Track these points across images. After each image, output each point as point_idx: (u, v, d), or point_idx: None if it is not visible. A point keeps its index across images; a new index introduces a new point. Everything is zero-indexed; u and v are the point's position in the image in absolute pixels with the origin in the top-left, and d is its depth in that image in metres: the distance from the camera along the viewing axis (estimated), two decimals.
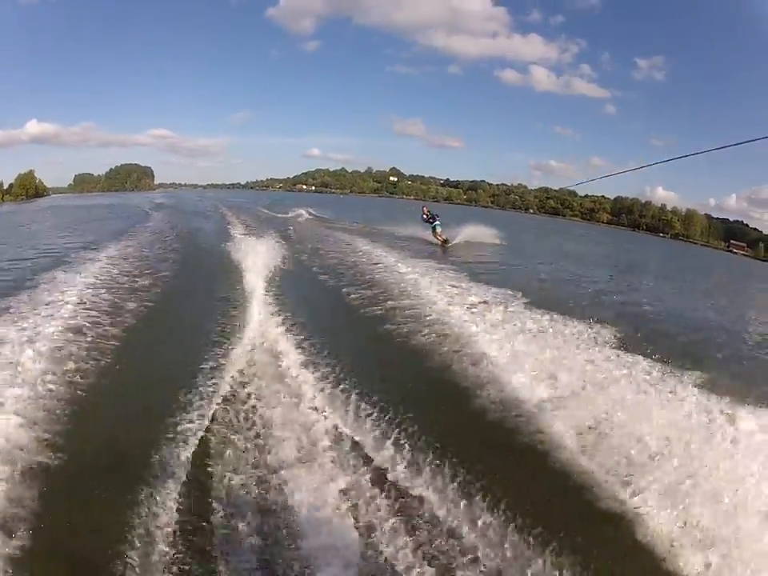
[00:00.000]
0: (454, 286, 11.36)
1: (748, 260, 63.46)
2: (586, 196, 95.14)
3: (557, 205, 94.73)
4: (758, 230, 78.66)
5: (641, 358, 7.35)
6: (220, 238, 19.21)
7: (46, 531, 3.97)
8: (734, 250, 71.21)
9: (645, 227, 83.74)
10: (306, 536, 4.18)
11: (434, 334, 8.50)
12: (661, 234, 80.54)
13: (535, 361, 7.20)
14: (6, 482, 4.34)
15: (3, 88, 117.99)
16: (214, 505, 4.42)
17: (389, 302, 10.35)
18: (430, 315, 9.41)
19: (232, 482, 4.75)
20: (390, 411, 5.90)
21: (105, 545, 3.87)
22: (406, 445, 5.33)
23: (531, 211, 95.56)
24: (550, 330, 8.61)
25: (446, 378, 7.07)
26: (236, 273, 12.60)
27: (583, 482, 4.83)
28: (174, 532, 4.06)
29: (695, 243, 75.25)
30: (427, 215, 20.87)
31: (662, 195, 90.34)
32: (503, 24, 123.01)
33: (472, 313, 9.41)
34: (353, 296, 11.03)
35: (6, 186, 72.48)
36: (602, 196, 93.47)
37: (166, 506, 4.28)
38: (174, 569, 3.78)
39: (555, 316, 9.20)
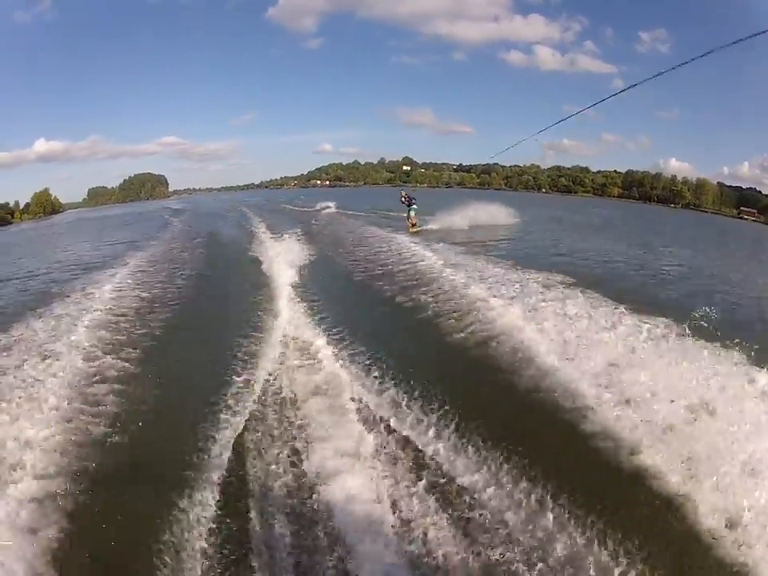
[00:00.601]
0: (482, 274, 11.38)
1: (758, 225, 64.71)
2: (599, 172, 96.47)
3: (568, 182, 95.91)
4: None
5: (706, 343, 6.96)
6: (244, 236, 20.50)
7: (81, 531, 4.13)
8: (745, 217, 72.20)
9: (656, 199, 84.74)
10: (346, 534, 4.15)
11: (469, 319, 8.51)
12: (672, 205, 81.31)
13: (576, 341, 7.18)
14: (44, 480, 4.59)
15: (7, 109, 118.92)
16: (250, 503, 4.45)
17: (416, 288, 10.64)
18: (459, 299, 9.58)
19: (269, 480, 4.76)
20: (433, 401, 5.87)
21: (140, 545, 3.98)
22: (451, 434, 5.29)
23: (543, 190, 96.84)
24: (589, 311, 8.48)
25: (485, 361, 7.08)
26: (264, 266, 13.29)
27: (649, 482, 4.65)
28: (210, 531, 4.12)
29: (706, 212, 76.10)
30: (405, 199, 22.35)
31: (676, 166, 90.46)
32: (504, 6, 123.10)
33: (506, 295, 9.43)
34: (380, 282, 11.46)
35: (22, 206, 74.77)
36: (615, 171, 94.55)
37: (202, 504, 4.37)
38: (210, 568, 3.85)
39: (590, 293, 9.42)
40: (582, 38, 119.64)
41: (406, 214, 22.11)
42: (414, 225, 21.40)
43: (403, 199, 22.47)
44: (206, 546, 4.00)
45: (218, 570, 3.83)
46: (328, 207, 33.98)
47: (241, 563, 3.90)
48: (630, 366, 6.35)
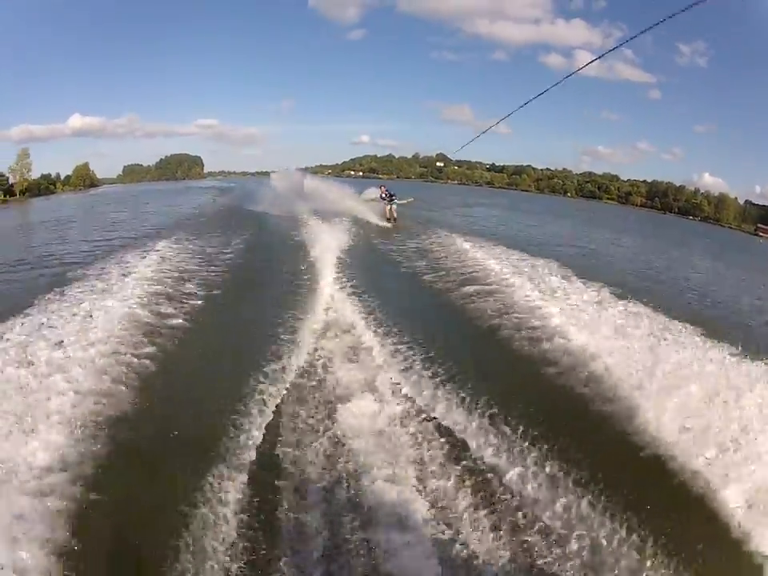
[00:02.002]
0: (518, 266, 11.91)
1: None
2: (628, 180, 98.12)
3: (594, 188, 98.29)
4: None
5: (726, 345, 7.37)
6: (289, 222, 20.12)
7: (109, 513, 4.14)
8: (761, 234, 73.77)
9: (677, 210, 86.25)
10: (380, 524, 4.15)
11: (508, 311, 8.77)
12: (690, 217, 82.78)
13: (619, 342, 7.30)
14: (72, 464, 4.51)
15: (43, 82, 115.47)
16: (282, 492, 4.48)
17: (454, 277, 11.02)
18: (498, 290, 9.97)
19: (300, 467, 4.75)
20: (476, 396, 5.81)
21: (167, 531, 3.97)
22: (491, 427, 5.28)
23: (569, 195, 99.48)
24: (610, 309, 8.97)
25: (531, 359, 7.13)
26: (306, 251, 13.31)
27: (682, 478, 4.77)
28: (239, 516, 4.14)
29: (722, 226, 77.86)
30: (385, 194, 22.18)
31: (709, 181, 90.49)
32: (546, 10, 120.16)
33: (541, 289, 9.86)
34: (420, 271, 11.91)
35: (61, 178, 74.75)
36: (644, 181, 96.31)
37: (234, 487, 4.40)
38: (240, 555, 3.86)
39: (605, 291, 10.08)
40: (623, 47, 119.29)
41: (387, 207, 21.89)
42: (394, 219, 21.57)
43: (384, 195, 22.26)
44: (234, 530, 3.98)
45: (245, 555, 3.81)
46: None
47: (268, 549, 3.88)
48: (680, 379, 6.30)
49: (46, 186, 69.53)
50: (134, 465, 4.74)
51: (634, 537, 4.13)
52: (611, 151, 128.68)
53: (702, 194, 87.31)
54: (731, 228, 76.88)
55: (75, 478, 4.34)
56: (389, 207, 21.86)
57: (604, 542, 4.09)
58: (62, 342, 6.67)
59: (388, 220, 21.54)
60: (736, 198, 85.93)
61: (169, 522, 4.05)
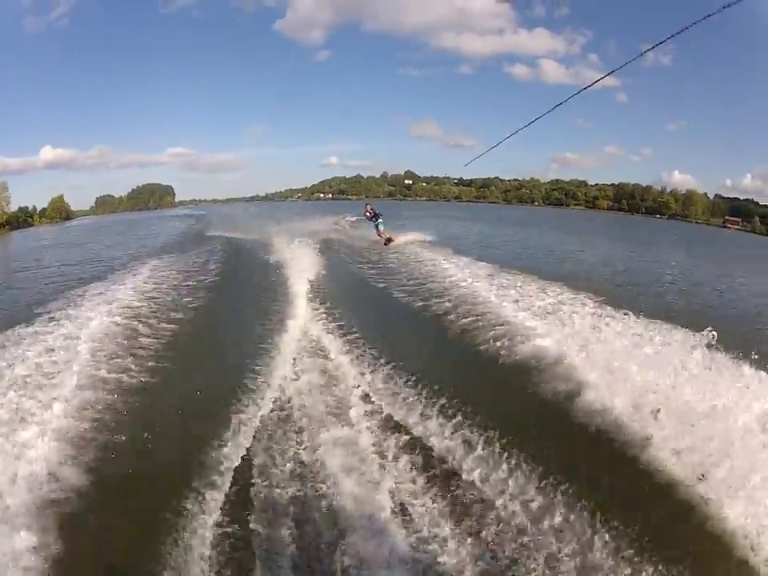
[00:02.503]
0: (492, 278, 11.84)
1: (737, 233, 66.04)
2: (596, 185, 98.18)
3: (561, 196, 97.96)
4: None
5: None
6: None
7: (86, 532, 4.08)
8: (728, 226, 73.49)
9: (644, 210, 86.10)
10: (352, 538, 4.13)
11: (477, 319, 8.79)
12: (658, 216, 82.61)
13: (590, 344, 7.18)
14: (52, 481, 4.48)
15: (15, 114, 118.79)
16: (256, 507, 4.43)
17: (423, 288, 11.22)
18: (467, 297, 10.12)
19: (277, 485, 4.72)
20: (449, 406, 5.87)
21: (145, 548, 3.96)
22: (462, 437, 5.32)
23: (536, 204, 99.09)
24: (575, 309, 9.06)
25: (503, 367, 7.13)
26: (279, 275, 13.06)
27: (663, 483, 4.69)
28: (216, 533, 4.12)
29: (690, 222, 77.50)
30: (370, 213, 21.09)
31: (678, 179, 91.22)
32: (509, 20, 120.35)
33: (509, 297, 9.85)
34: (390, 288, 11.81)
35: (37, 211, 76.41)
36: (611, 184, 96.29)
37: (209, 509, 4.33)
38: (214, 571, 3.86)
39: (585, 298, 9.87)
40: (587, 51, 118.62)
41: (374, 230, 20.68)
42: (389, 239, 19.89)
43: (368, 213, 21.23)
44: (210, 549, 3.98)
45: (222, 572, 3.84)
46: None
47: (244, 566, 3.90)
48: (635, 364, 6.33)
49: (23, 219, 70.75)
50: (109, 488, 4.68)
51: (620, 544, 4.07)
52: (580, 157, 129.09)
53: (669, 192, 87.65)
54: (698, 223, 76.50)
55: (49, 502, 4.31)
56: (380, 228, 20.51)
57: (590, 551, 4.04)
58: (40, 363, 6.83)
59: (388, 241, 19.77)
60: (706, 194, 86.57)
61: (147, 543, 4.02)
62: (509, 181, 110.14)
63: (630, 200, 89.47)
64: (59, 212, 79.59)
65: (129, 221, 54.25)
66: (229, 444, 5.23)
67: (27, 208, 74.49)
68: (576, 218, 62.64)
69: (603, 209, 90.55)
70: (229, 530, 4.19)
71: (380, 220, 20.74)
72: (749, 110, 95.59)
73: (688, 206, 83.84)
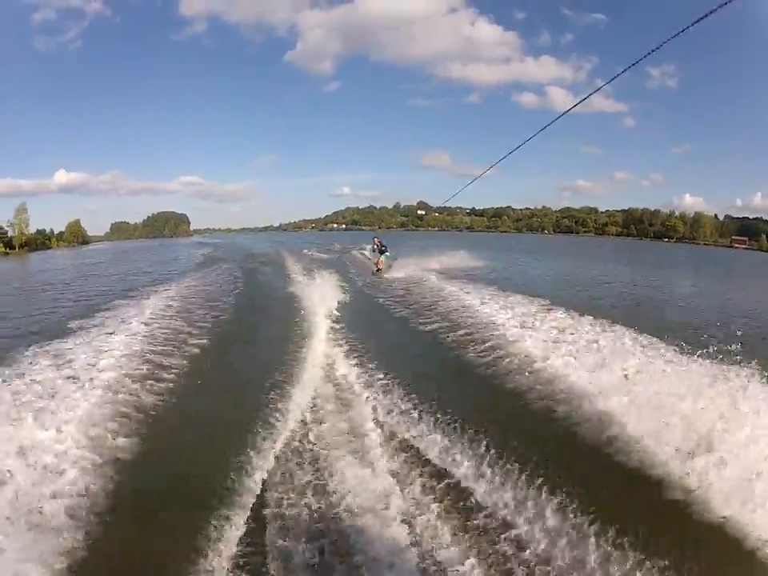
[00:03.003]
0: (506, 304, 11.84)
1: (744, 252, 66.79)
2: (606, 211, 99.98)
3: (570, 223, 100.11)
4: None
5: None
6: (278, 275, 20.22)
7: (107, 547, 4.10)
8: (735, 245, 74.35)
9: (653, 234, 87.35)
10: (366, 558, 4.16)
11: (492, 348, 8.85)
12: (665, 240, 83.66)
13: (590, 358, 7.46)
14: (73, 497, 4.55)
15: (30, 139, 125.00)
16: (272, 533, 4.44)
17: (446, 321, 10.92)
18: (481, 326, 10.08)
19: (293, 511, 4.73)
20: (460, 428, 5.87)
21: (154, 557, 4.02)
22: (475, 461, 5.29)
23: (546, 232, 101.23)
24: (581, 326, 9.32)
25: (505, 385, 7.27)
26: (297, 303, 13.15)
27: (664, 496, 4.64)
28: (233, 552, 4.14)
29: (698, 243, 78.70)
30: (378, 246, 22.28)
31: (689, 202, 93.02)
32: (515, 48, 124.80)
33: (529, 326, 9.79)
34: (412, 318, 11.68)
35: (52, 234, 78.49)
36: (621, 210, 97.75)
37: (226, 531, 4.36)
38: None
39: (585, 317, 10.00)
40: (593, 77, 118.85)
41: (374, 259, 22.14)
42: (379, 270, 21.50)
43: (375, 246, 22.49)
44: (228, 562, 4.03)
45: None
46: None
47: None
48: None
49: (41, 241, 72.37)
50: (125, 507, 4.67)
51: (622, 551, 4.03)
52: (591, 184, 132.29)
53: (676, 215, 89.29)
54: (706, 244, 77.44)
55: (68, 519, 4.35)
56: (379, 258, 21.96)
57: (591, 560, 4.02)
58: (64, 384, 6.88)
59: (377, 270, 21.46)
60: (716, 215, 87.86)
61: (162, 563, 4.04)
62: (520, 210, 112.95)
63: (638, 225, 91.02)
64: (76, 236, 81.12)
65: (150, 247, 55.15)
66: (246, 468, 5.28)
67: (45, 231, 76.20)
68: (585, 244, 63.14)
69: (612, 235, 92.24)
70: (245, 552, 4.19)
71: (387, 253, 22.04)
72: (759, 130, 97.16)
73: (696, 228, 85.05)
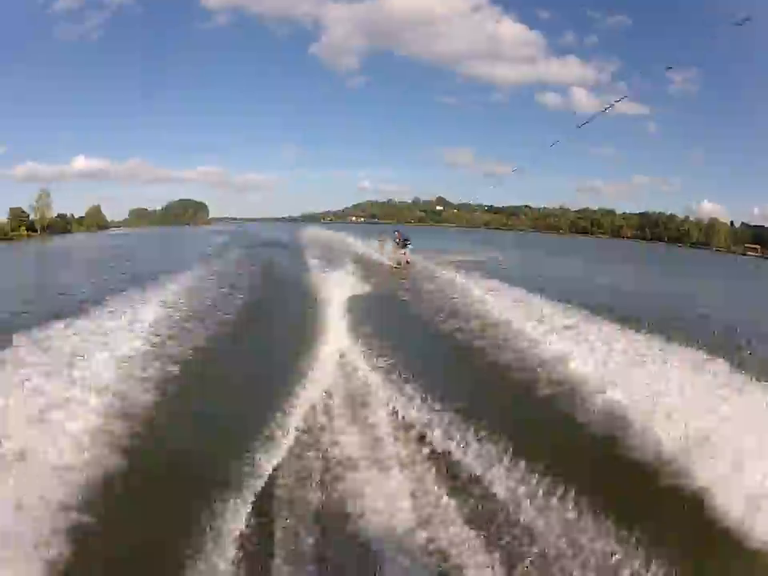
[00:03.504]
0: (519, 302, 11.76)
1: (755, 259, 67.87)
2: (623, 214, 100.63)
3: (586, 224, 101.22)
4: None
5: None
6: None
7: (108, 533, 4.04)
8: (749, 253, 75.43)
9: (667, 239, 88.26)
10: (372, 548, 4.14)
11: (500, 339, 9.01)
12: (679, 244, 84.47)
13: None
14: (76, 485, 4.45)
15: (50, 125, 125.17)
16: (279, 525, 4.38)
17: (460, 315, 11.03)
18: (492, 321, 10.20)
19: (300, 500, 4.69)
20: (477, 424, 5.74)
21: (165, 550, 3.96)
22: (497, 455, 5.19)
23: (561, 231, 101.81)
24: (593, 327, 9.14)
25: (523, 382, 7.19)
26: (316, 295, 12.96)
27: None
28: (236, 542, 4.07)
29: (710, 249, 79.68)
30: (399, 239, 22.28)
31: (708, 208, 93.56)
32: (539, 48, 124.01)
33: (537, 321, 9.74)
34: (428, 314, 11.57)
35: (73, 219, 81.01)
36: (637, 213, 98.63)
37: (233, 517, 4.31)
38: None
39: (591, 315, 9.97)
40: (616, 79, 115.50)
41: (400, 251, 21.91)
42: (406, 262, 21.20)
43: (398, 240, 22.48)
44: (229, 557, 3.95)
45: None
46: None
47: (264, 567, 3.89)
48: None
49: (63, 226, 74.60)
50: (131, 492, 4.67)
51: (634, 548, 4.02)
52: (610, 186, 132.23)
53: (691, 220, 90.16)
54: (719, 251, 78.39)
55: (70, 502, 4.30)
56: (402, 251, 21.73)
57: (603, 555, 4.00)
58: (75, 365, 6.85)
59: (399, 264, 21.13)
60: (732, 223, 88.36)
61: (163, 552, 4.00)
62: (538, 209, 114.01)
63: (653, 229, 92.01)
64: (96, 221, 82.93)
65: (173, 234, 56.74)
66: (256, 457, 5.24)
67: (66, 215, 78.45)
68: (598, 246, 64.46)
69: (626, 237, 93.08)
70: (251, 540, 4.15)
71: (409, 245, 21.90)
72: None
73: (710, 235, 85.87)
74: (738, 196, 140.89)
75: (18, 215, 67.05)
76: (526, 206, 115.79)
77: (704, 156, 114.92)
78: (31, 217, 69.48)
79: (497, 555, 4.08)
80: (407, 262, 20.97)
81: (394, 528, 4.42)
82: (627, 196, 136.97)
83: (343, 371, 7.75)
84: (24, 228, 65.50)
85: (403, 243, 21.78)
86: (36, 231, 67.33)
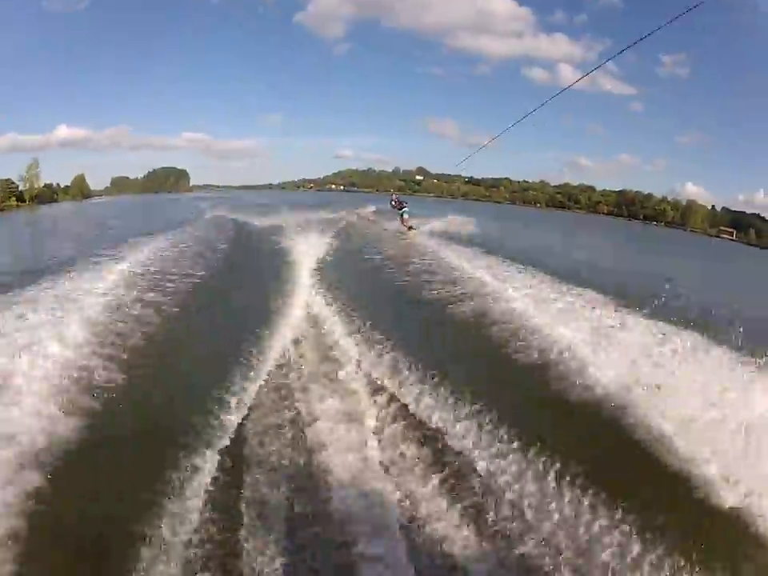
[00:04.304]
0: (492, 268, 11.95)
1: (726, 243, 68.19)
2: (603, 191, 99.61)
3: (563, 199, 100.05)
4: None
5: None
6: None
7: (71, 504, 3.97)
8: (722, 235, 75.66)
9: (642, 217, 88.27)
10: (350, 531, 3.98)
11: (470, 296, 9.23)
12: (654, 223, 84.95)
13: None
14: (37, 454, 4.33)
15: (31, 93, 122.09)
16: (248, 479, 4.38)
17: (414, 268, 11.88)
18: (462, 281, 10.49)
19: (269, 467, 4.62)
20: (455, 393, 5.72)
21: (130, 521, 3.79)
22: (474, 425, 5.15)
23: (538, 205, 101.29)
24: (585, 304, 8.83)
25: (509, 356, 6.99)
26: (291, 260, 12.97)
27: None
28: (204, 512, 3.97)
29: (684, 229, 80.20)
30: (396, 202, 22.17)
31: (691, 190, 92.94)
32: (529, 24, 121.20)
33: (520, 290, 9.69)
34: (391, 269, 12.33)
35: (59, 188, 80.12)
36: (615, 191, 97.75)
37: (201, 475, 4.29)
38: (201, 551, 3.69)
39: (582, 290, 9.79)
40: (605, 58, 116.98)
41: (398, 218, 21.41)
42: (410, 228, 20.43)
43: (394, 203, 22.48)
44: (196, 525, 3.85)
45: (207, 551, 3.70)
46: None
47: (230, 547, 3.76)
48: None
49: (50, 195, 74.70)
50: (100, 452, 4.68)
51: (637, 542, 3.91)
52: (594, 164, 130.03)
53: (668, 201, 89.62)
54: (693, 232, 78.79)
55: (36, 460, 4.29)
56: (403, 217, 21.13)
57: (602, 547, 3.89)
58: (49, 320, 7.06)
59: (407, 229, 20.39)
60: (713, 207, 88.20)
61: (132, 512, 3.92)
62: (518, 182, 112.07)
63: (630, 206, 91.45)
64: (80, 190, 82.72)
65: (153, 202, 56.49)
66: (224, 410, 5.22)
67: (52, 185, 78.46)
68: (571, 220, 64.34)
69: (603, 213, 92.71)
70: (215, 510, 4.04)
71: (405, 208, 21.32)
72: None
73: (687, 216, 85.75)
74: (723, 182, 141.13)
75: (7, 186, 67.10)
76: (506, 178, 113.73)
77: (690, 139, 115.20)
78: (20, 187, 69.31)
79: (458, 506, 4.21)
80: (409, 228, 20.18)
81: (360, 479, 4.47)
82: (612, 174, 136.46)
83: (312, 325, 8.01)
84: (14, 199, 65.59)
85: (399, 207, 21.54)
86: (24, 201, 67.14)
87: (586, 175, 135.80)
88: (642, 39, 6.26)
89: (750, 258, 49.83)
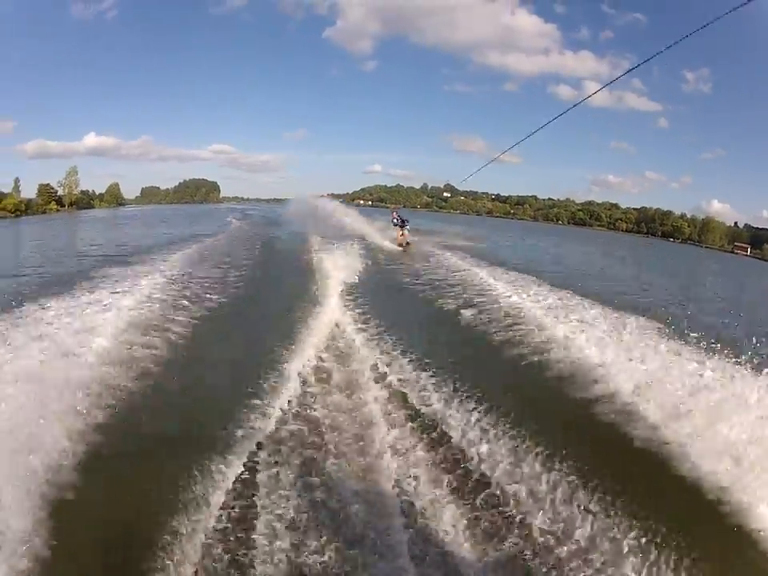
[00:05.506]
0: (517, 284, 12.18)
1: (742, 258, 70.73)
2: (627, 209, 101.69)
3: (584, 216, 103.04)
4: None
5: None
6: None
7: (93, 511, 4.02)
8: (737, 251, 78.11)
9: (660, 234, 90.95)
10: (358, 538, 4.01)
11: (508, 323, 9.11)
12: (671, 240, 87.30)
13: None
14: (60, 456, 4.40)
15: (61, 101, 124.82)
16: (265, 484, 4.46)
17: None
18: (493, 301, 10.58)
19: (287, 462, 4.75)
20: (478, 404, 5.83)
21: (148, 526, 3.90)
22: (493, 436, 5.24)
23: (560, 222, 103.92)
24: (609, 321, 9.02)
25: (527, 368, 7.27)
26: (312, 273, 13.14)
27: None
28: (220, 515, 4.07)
29: (700, 246, 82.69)
30: (397, 219, 22.63)
31: (717, 207, 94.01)
32: (554, 41, 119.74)
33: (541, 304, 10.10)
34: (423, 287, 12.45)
35: (95, 195, 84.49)
36: (636, 208, 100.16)
37: (218, 490, 4.33)
38: (217, 554, 3.76)
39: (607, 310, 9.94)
40: (630, 75, 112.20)
41: (399, 232, 22.21)
42: (407, 243, 21.59)
43: (395, 220, 22.73)
44: (213, 526, 3.95)
45: (222, 554, 3.77)
46: None
47: (246, 549, 3.83)
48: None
49: (87, 202, 79.58)
50: (122, 462, 4.77)
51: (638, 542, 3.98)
52: (621, 180, 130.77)
53: (685, 218, 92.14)
54: (708, 248, 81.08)
55: (60, 468, 4.35)
56: (401, 233, 21.99)
57: (603, 544, 3.97)
58: (75, 331, 7.06)
59: (400, 245, 21.48)
60: (736, 223, 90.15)
61: (152, 518, 4.02)
62: (543, 200, 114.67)
63: (649, 224, 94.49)
64: (115, 198, 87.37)
65: (203, 210, 59.92)
66: (244, 422, 5.30)
67: (88, 192, 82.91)
68: (586, 237, 66.55)
69: (622, 230, 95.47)
70: (232, 513, 4.13)
71: (406, 227, 22.20)
72: None
73: (704, 232, 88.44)
74: (748, 198, 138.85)
75: (47, 191, 71.34)
76: (533, 196, 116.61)
77: (716, 156, 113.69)
78: (59, 193, 73.51)
79: (468, 506, 4.36)
80: (407, 243, 21.60)
81: (377, 486, 4.61)
82: (638, 191, 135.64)
83: (337, 339, 8.22)
84: (54, 203, 70.07)
85: (401, 224, 22.21)
86: (64, 206, 71.59)
87: (614, 193, 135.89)
88: (656, 55, 6.40)
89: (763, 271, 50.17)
